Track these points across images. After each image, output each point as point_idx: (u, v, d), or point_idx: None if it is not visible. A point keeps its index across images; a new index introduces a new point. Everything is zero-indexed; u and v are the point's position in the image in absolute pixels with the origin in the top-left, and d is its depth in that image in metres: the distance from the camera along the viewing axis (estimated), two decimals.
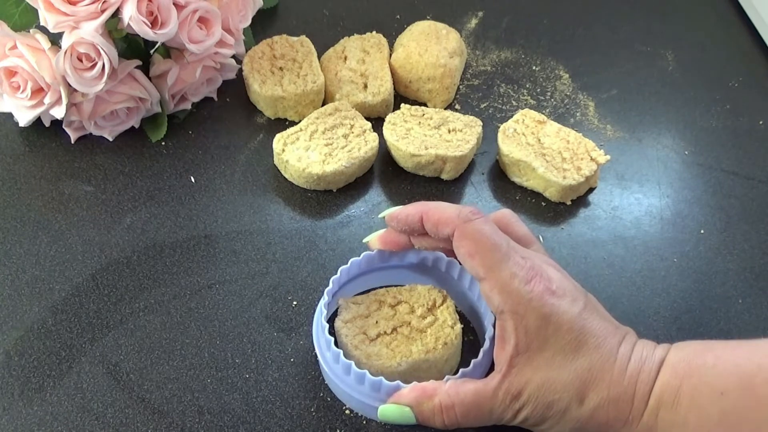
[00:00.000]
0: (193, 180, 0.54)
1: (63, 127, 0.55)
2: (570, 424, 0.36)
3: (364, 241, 0.44)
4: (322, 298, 0.42)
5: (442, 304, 0.44)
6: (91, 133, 0.56)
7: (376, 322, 0.43)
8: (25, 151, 0.55)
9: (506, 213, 0.43)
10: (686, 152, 0.58)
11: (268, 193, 0.54)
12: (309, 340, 0.45)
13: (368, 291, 0.46)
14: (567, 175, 0.53)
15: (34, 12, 0.50)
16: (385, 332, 0.43)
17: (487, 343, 0.40)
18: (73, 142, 0.56)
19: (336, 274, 0.43)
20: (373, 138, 0.54)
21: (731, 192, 0.56)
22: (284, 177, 0.54)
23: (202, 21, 0.54)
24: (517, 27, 0.68)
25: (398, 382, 0.39)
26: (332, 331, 0.42)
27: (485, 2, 0.71)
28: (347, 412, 0.43)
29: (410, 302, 0.44)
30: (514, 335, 0.36)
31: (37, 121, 0.55)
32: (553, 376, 0.36)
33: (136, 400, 0.43)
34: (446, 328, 0.43)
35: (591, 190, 0.55)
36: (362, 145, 0.54)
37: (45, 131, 0.56)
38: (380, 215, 0.43)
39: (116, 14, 0.50)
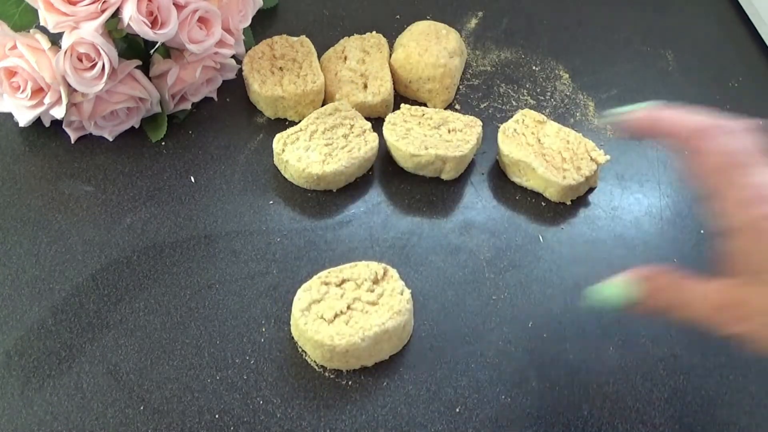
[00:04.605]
0: (193, 180, 0.54)
1: (63, 127, 0.55)
2: None
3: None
4: None
5: (384, 276, 0.46)
6: (91, 133, 0.56)
7: (329, 304, 0.44)
8: (25, 151, 0.55)
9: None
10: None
11: (268, 193, 0.54)
12: None
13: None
14: (567, 175, 0.53)
15: (34, 12, 0.50)
16: (341, 311, 0.44)
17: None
18: (73, 142, 0.56)
19: None
20: (373, 138, 0.54)
21: None
22: (284, 177, 0.54)
23: (202, 21, 0.54)
24: (517, 27, 0.68)
25: None
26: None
27: (485, 2, 0.71)
28: (348, 411, 0.43)
29: (354, 279, 0.45)
30: (751, 255, 0.35)
31: (37, 121, 0.55)
32: None
33: (136, 400, 0.43)
34: (396, 296, 0.44)
35: (591, 190, 0.55)
36: (362, 145, 0.54)
37: (45, 131, 0.56)
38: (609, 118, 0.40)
39: (116, 14, 0.50)
